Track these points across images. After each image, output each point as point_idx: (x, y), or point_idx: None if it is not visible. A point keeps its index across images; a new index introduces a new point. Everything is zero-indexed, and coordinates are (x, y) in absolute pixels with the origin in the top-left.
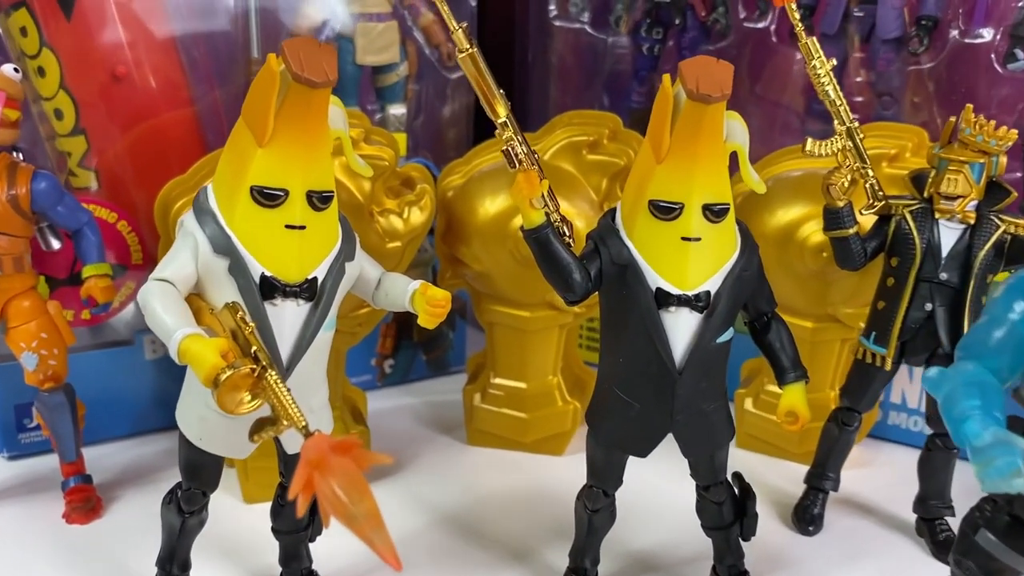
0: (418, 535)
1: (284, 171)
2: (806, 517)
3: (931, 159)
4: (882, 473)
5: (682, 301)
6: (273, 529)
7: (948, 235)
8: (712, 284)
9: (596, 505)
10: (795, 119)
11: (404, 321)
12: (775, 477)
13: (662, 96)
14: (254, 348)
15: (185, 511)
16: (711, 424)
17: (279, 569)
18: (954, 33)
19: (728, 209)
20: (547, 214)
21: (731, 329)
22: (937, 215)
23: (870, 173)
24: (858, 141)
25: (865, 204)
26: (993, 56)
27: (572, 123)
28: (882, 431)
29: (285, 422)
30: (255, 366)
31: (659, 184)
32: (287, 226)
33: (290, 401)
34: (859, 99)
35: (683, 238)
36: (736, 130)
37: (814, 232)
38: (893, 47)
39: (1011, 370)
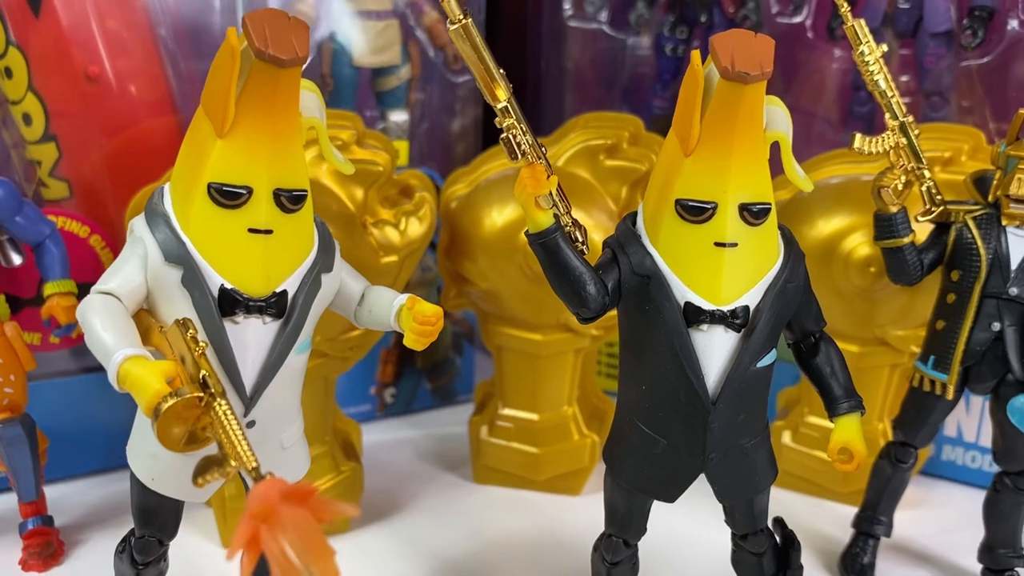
0: None
1: (247, 166)
2: (855, 567)
3: (996, 159)
4: (938, 515)
5: (716, 318)
6: None
7: (1018, 244)
8: (751, 298)
9: (616, 557)
10: (831, 128)
11: (407, 346)
12: (817, 520)
13: (691, 76)
14: (203, 372)
15: (139, 562)
16: (751, 464)
17: None
18: (1013, 24)
19: (769, 210)
20: (556, 216)
21: (774, 351)
22: (1004, 222)
23: (927, 174)
24: (912, 138)
25: (921, 210)
26: None
27: (588, 126)
28: (935, 468)
29: (233, 462)
30: (202, 394)
31: (688, 181)
32: (250, 230)
33: (239, 437)
34: (905, 100)
35: (716, 243)
36: (778, 117)
37: (860, 244)
38: (943, 42)
39: None
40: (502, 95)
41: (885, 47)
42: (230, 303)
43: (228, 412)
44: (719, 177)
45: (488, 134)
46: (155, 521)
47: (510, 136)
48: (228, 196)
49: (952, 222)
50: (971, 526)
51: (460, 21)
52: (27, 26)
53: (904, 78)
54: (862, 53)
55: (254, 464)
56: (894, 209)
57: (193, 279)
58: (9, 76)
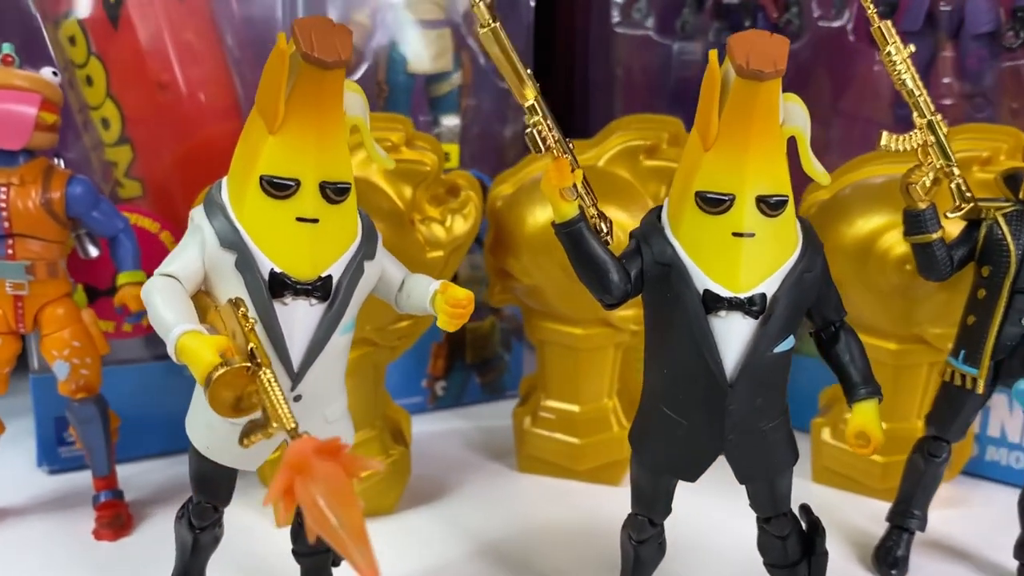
0: (458, 565)
1: (295, 160)
2: (889, 559)
3: None
4: (979, 514)
5: (733, 304)
6: (293, 551)
7: None
8: (768, 286)
9: (642, 535)
10: (875, 131)
11: (456, 341)
12: (855, 514)
13: (709, 75)
14: (251, 345)
15: (196, 526)
16: (769, 445)
17: None
18: None
19: (786, 202)
20: (581, 207)
21: (791, 338)
22: None
23: (956, 172)
24: (941, 136)
25: (951, 207)
26: None
27: (630, 128)
28: (979, 468)
29: (274, 424)
30: (249, 364)
31: (707, 174)
32: (298, 219)
33: (281, 401)
34: (948, 102)
35: (734, 234)
36: (795, 112)
37: (897, 243)
38: (985, 43)
39: None
40: (529, 94)
41: (912, 47)
42: (279, 285)
43: (272, 380)
44: (736, 170)
45: None
46: (210, 487)
47: (535, 132)
48: (278, 187)
49: (983, 219)
50: (1012, 526)
51: (490, 25)
52: (107, 38)
53: (947, 80)
54: (889, 53)
55: (293, 425)
56: (923, 205)
57: (246, 263)
58: (90, 84)
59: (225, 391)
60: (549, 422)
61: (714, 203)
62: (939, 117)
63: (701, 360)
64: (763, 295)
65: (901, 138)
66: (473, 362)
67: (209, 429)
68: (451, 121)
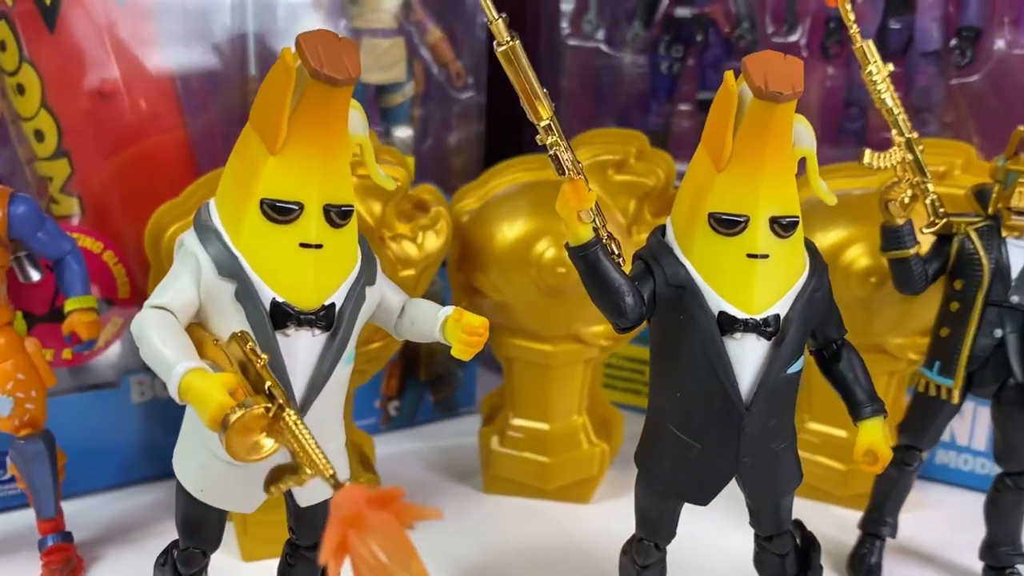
0: None
1: (299, 182)
2: (863, 567)
3: (996, 172)
4: (936, 516)
5: (749, 326)
6: None
7: (1018, 254)
8: (781, 307)
9: (647, 560)
10: (823, 145)
11: (410, 359)
12: (821, 523)
13: (724, 95)
14: (268, 384)
15: (183, 574)
16: (780, 467)
17: None
18: (1000, 44)
19: (798, 222)
20: (595, 229)
21: (801, 359)
22: (1005, 233)
23: (931, 188)
24: (918, 153)
25: (926, 222)
26: None
27: (596, 142)
28: (930, 471)
29: (309, 470)
30: (270, 405)
31: (721, 195)
32: (302, 244)
33: (314, 445)
34: None
35: (749, 255)
36: (803, 134)
37: (860, 256)
38: (933, 60)
39: None
40: (545, 113)
41: (891, 66)
42: (282, 316)
43: (298, 421)
44: (751, 191)
45: (491, 150)
46: (200, 532)
47: (556, 153)
48: (281, 212)
49: (955, 233)
50: (969, 526)
51: (508, 43)
52: (41, 42)
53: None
54: (870, 72)
55: (331, 471)
56: (900, 221)
57: (246, 293)
58: (22, 93)
59: (245, 436)
60: (518, 441)
61: (729, 224)
62: (916, 135)
63: (716, 382)
64: (777, 316)
65: (881, 155)
66: (427, 379)
67: (203, 470)
68: (404, 132)
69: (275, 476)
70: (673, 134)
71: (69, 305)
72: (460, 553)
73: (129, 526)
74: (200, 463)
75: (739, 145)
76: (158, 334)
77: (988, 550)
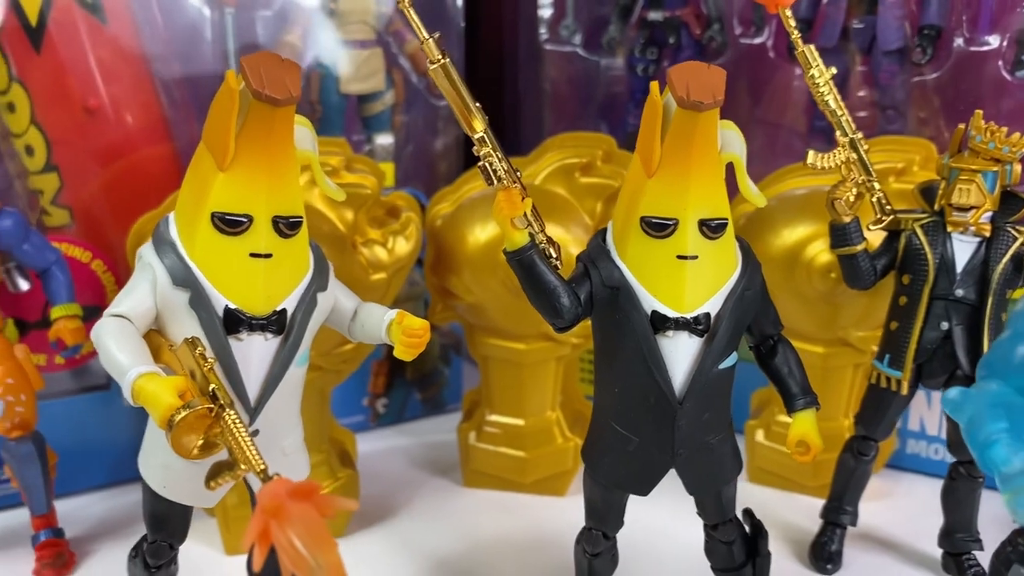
0: None
1: (247, 196)
2: (823, 554)
3: (940, 170)
4: (903, 505)
5: (680, 324)
6: None
7: (962, 249)
8: (712, 305)
9: (596, 549)
10: (798, 140)
11: (397, 358)
12: (789, 512)
13: (651, 106)
14: (212, 386)
15: (151, 565)
16: (717, 458)
17: None
18: (959, 42)
19: (726, 224)
20: (531, 234)
21: (734, 354)
22: (949, 228)
23: (876, 186)
24: (862, 153)
25: (873, 219)
26: (1001, 64)
27: (564, 146)
28: (901, 460)
29: (243, 466)
30: (212, 405)
31: (651, 199)
32: (252, 254)
33: (248, 443)
34: (863, 114)
35: (679, 256)
36: (732, 140)
37: (821, 252)
38: (896, 59)
39: None
40: (478, 126)
41: (834, 69)
42: (234, 322)
43: (237, 421)
44: (679, 196)
45: (469, 154)
46: (166, 527)
47: (486, 164)
48: (230, 224)
49: (902, 230)
50: (934, 514)
51: (439, 61)
52: (29, 62)
53: (861, 93)
54: (812, 76)
55: (262, 467)
56: (847, 219)
57: (200, 301)
58: (12, 111)
59: (188, 434)
60: (495, 436)
61: (659, 227)
62: (860, 135)
63: (651, 378)
64: (707, 314)
65: (825, 156)
66: (413, 378)
67: (165, 469)
68: (385, 139)
69: (214, 472)
70: None
71: (55, 313)
72: (440, 545)
73: (119, 523)
74: (162, 462)
75: (667, 152)
76: (115, 341)
77: (945, 537)
